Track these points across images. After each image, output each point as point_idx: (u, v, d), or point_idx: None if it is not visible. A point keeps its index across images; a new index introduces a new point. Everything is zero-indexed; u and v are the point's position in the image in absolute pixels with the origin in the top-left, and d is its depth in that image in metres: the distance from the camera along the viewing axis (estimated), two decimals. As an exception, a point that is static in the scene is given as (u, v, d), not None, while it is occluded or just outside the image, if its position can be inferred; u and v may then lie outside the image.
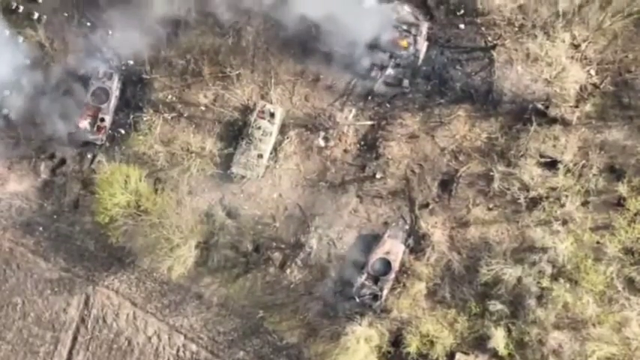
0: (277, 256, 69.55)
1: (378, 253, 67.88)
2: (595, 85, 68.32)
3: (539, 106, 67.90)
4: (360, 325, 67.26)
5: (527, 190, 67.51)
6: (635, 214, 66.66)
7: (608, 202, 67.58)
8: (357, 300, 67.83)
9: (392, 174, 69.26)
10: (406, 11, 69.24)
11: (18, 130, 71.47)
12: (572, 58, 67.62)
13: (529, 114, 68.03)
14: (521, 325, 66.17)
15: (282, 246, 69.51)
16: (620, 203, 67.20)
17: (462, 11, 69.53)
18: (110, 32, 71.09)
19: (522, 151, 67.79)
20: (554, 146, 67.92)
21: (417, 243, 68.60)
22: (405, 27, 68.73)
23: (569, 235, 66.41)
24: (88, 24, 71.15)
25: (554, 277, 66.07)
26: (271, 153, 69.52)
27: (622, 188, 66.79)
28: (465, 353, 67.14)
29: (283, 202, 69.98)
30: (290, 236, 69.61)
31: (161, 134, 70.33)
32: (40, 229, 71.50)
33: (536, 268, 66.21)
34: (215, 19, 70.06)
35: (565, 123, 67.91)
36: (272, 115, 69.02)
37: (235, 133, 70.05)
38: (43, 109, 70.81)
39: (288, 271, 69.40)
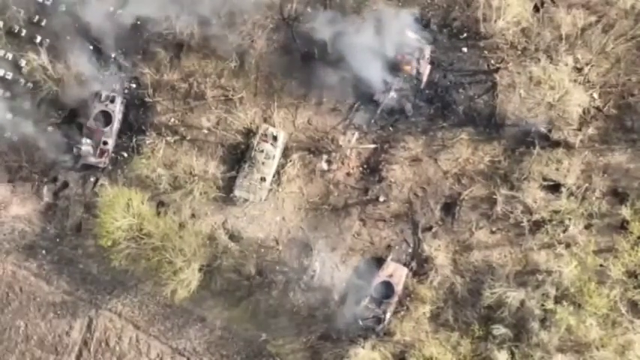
0: (280, 279, 69.50)
1: (381, 276, 67.92)
2: (598, 109, 68.45)
3: (542, 129, 68.02)
4: (363, 348, 67.27)
5: (531, 214, 67.64)
6: (639, 237, 66.63)
7: (611, 226, 67.74)
8: (361, 323, 67.79)
9: (395, 197, 69.32)
10: (409, 35, 69.23)
11: (21, 154, 71.44)
12: (575, 81, 67.62)
13: (532, 137, 68.21)
14: (525, 348, 66.15)
15: (285, 269, 69.49)
16: (623, 226, 67.36)
17: (465, 35, 69.72)
18: (113, 55, 71.28)
19: (525, 175, 67.94)
20: (557, 169, 68.01)
21: (420, 266, 68.63)
22: (408, 51, 68.77)
23: (572, 258, 66.43)
24: (91, 47, 71.25)
25: (558, 300, 66.02)
26: (274, 176, 69.56)
27: (625, 211, 66.91)
28: (469, 376, 67.38)
29: (286, 226, 69.99)
30: (293, 259, 69.62)
31: (164, 157, 70.35)
32: (43, 252, 71.45)
33: (540, 291, 66.23)
34: (218, 43, 70.23)
35: (568, 146, 68.06)
36: (275, 138, 69.03)
37: (238, 156, 70.14)
38: (46, 132, 70.87)
39: (291, 294, 69.32)
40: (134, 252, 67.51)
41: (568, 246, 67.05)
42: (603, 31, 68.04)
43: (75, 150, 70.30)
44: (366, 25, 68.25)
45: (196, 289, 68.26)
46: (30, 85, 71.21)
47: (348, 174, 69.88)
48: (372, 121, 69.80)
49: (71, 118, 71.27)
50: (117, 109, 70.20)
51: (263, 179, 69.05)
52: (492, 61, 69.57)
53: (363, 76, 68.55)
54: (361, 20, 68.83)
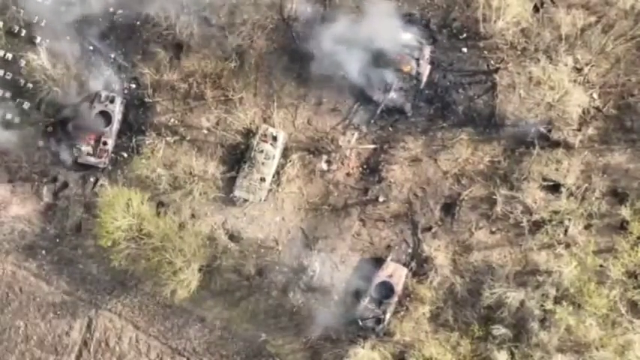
0: (280, 279, 69.52)
1: (381, 277, 67.88)
2: (598, 109, 68.40)
3: (542, 129, 67.97)
4: (363, 348, 67.24)
5: (530, 214, 67.60)
6: (638, 238, 66.63)
7: (611, 226, 67.69)
8: (360, 323, 67.80)
9: (395, 197, 69.29)
10: (409, 35, 69.21)
11: (21, 154, 71.40)
12: (575, 81, 67.56)
13: (532, 137, 68.13)
14: (525, 349, 66.16)
15: (285, 269, 69.50)
16: (623, 227, 67.30)
17: (465, 35, 69.62)
18: (112, 56, 71.26)
19: (525, 175, 67.89)
20: (556, 170, 67.97)
21: (420, 266, 68.62)
22: (407, 51, 68.75)
23: (572, 259, 66.43)
24: (91, 48, 71.22)
25: (558, 301, 66.00)
26: (274, 176, 69.49)
27: (625, 212, 66.83)
28: (469, 377, 67.37)
29: (286, 226, 69.98)
30: (293, 260, 69.63)
31: (163, 158, 70.27)
32: (43, 252, 71.39)
33: (540, 291, 66.23)
34: (218, 43, 70.22)
35: (568, 146, 68.03)
36: (274, 138, 68.98)
37: (238, 156, 70.05)
38: (45, 132, 70.89)
39: (290, 294, 69.35)
40: (134, 252, 67.47)
41: (568, 246, 67.03)
42: (603, 32, 67.90)
43: (74, 150, 70.28)
44: (365, 25, 68.19)
45: (196, 289, 68.20)
46: (30, 85, 71.08)
47: (348, 174, 69.87)
48: (372, 121, 69.72)
49: (70, 118, 71.11)
50: (117, 110, 70.05)
51: (263, 179, 69.00)
52: (492, 62, 69.47)
53: (363, 76, 68.54)
54: (360, 20, 68.78)
